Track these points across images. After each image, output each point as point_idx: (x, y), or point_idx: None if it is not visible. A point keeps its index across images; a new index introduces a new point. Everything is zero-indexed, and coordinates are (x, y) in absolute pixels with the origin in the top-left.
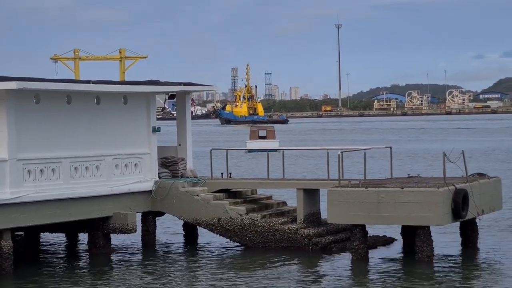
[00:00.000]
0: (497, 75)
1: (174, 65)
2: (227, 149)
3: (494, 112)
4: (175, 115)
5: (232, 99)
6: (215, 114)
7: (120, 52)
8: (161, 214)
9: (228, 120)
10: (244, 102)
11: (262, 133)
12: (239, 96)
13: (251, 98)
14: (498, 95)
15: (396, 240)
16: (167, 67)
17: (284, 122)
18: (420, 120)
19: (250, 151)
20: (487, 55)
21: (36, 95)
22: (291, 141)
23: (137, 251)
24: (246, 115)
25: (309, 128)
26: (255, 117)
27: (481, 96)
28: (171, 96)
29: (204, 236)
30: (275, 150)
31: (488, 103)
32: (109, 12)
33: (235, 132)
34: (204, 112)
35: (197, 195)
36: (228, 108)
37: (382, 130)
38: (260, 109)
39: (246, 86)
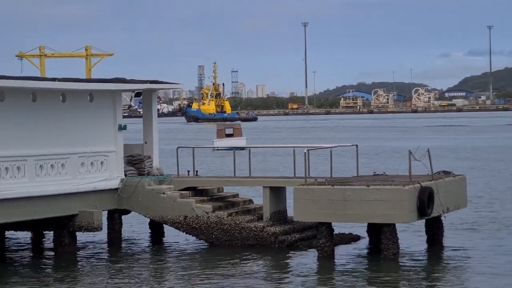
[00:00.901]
0: (462, 74)
1: (141, 63)
2: (193, 147)
3: (459, 110)
4: (141, 113)
5: (198, 97)
6: (181, 112)
7: (86, 50)
8: (127, 212)
9: (196, 118)
10: (212, 100)
11: (229, 131)
12: (206, 94)
13: (218, 96)
14: (463, 93)
15: (362, 238)
16: (133, 65)
17: (253, 119)
18: (386, 118)
19: (217, 149)
20: (452, 53)
21: (1, 92)
22: (259, 139)
23: (103, 250)
24: (214, 112)
25: (278, 126)
26: (225, 114)
27: (446, 94)
28: (138, 94)
29: (170, 235)
30: (242, 148)
31: (454, 101)
32: (77, 9)
33: (202, 130)
34: (170, 110)
35: (163, 193)
36: (194, 105)
37: (349, 128)
38: (228, 107)
39: (213, 84)
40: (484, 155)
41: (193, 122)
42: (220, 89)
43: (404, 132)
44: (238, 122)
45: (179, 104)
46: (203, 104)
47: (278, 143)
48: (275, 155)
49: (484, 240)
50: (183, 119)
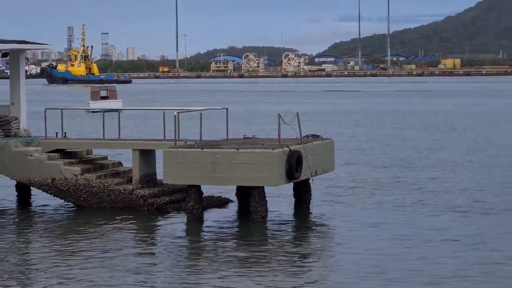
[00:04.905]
0: (332, 39)
1: (8, 23)
2: (62, 109)
3: (328, 75)
4: (8, 74)
5: (67, 58)
6: (46, 73)
7: None
8: None
9: (65, 80)
10: (82, 62)
11: (103, 93)
12: (74, 55)
13: (86, 58)
14: (332, 59)
15: (231, 201)
16: (0, 24)
17: (128, 82)
18: (257, 83)
19: (93, 111)
20: (322, 19)
21: None
22: (135, 102)
23: None
24: (84, 74)
25: (153, 88)
26: (102, 76)
27: (316, 60)
28: (4, 54)
29: (38, 197)
30: (116, 110)
31: (323, 66)
32: None
33: (73, 92)
34: (38, 71)
35: (31, 155)
36: (61, 67)
37: (220, 92)
38: (95, 69)
39: (82, 46)
40: (356, 119)
41: (57, 84)
42: (88, 52)
43: (274, 96)
44: (114, 84)
45: (48, 65)
46: (72, 65)
47: (152, 106)
48: (152, 118)
49: (350, 204)
50: (45, 80)
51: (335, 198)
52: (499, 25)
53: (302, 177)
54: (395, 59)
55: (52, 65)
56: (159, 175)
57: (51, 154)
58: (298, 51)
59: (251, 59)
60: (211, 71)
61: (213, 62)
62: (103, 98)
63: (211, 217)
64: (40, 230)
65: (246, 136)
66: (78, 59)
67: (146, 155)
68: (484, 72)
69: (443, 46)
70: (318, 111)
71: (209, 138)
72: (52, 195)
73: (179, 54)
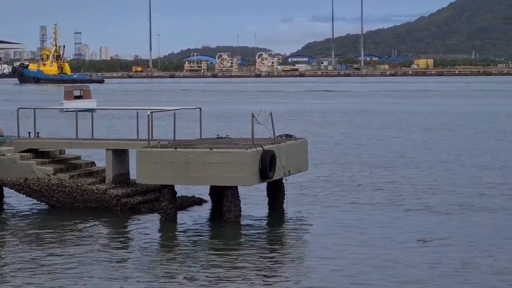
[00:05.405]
0: (305, 39)
1: None
2: (34, 108)
3: (302, 75)
4: None
5: (40, 58)
6: (17, 73)
7: None
8: None
9: (37, 79)
10: (54, 61)
11: (77, 92)
12: (46, 55)
13: (58, 57)
14: (306, 59)
15: (205, 201)
16: None
17: (100, 82)
18: (230, 82)
19: (67, 110)
20: (296, 19)
21: None
22: (109, 101)
23: None
24: (56, 74)
25: (126, 88)
26: (74, 76)
27: (290, 59)
28: None
29: (10, 197)
30: (90, 110)
31: (297, 66)
32: None
33: (46, 91)
34: (11, 70)
35: (3, 155)
36: (32, 66)
37: (193, 92)
38: (67, 69)
39: (54, 45)
40: (330, 119)
41: (28, 84)
42: (61, 51)
43: (247, 96)
44: (87, 84)
45: (21, 65)
46: (44, 65)
47: (127, 105)
48: (125, 117)
49: (324, 203)
50: (16, 80)
51: (309, 198)
52: (472, 26)
53: (276, 177)
54: (368, 59)
55: (24, 64)
56: (133, 175)
57: (24, 153)
58: (271, 51)
59: (225, 59)
60: (185, 70)
61: (186, 62)
62: (77, 97)
63: (185, 217)
64: (13, 230)
65: (219, 136)
66: (50, 58)
67: (120, 155)
68: (457, 72)
69: (416, 46)
70: (292, 110)
71: (182, 138)
72: (25, 195)
73: (153, 53)
